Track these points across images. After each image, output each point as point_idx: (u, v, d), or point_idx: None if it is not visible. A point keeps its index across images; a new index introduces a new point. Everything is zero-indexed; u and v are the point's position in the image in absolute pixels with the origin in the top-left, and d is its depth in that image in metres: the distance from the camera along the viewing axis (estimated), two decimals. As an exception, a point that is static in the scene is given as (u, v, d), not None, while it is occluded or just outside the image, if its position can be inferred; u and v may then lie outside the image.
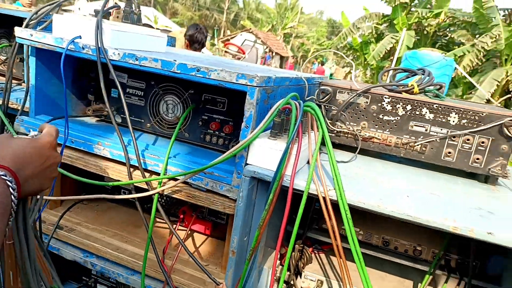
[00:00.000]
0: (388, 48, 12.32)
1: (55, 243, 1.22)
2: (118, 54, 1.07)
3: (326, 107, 1.21)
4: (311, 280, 1.25)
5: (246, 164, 0.97)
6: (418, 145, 1.12)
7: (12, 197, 0.60)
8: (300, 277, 1.24)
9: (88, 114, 1.32)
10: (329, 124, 1.22)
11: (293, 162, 0.91)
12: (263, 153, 0.95)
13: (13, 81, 1.35)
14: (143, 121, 1.30)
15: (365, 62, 13.11)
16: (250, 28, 18.95)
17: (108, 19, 1.20)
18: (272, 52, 16.90)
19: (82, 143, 1.14)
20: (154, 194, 1.04)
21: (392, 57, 12.14)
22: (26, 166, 0.64)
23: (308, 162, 1.05)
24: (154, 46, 1.30)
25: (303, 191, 0.90)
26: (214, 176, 1.02)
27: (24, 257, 0.73)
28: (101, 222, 1.30)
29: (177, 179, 1.02)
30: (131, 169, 1.08)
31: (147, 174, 1.07)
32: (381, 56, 12.41)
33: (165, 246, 1.16)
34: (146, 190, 1.05)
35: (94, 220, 1.31)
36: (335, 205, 0.87)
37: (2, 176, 0.58)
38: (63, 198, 1.16)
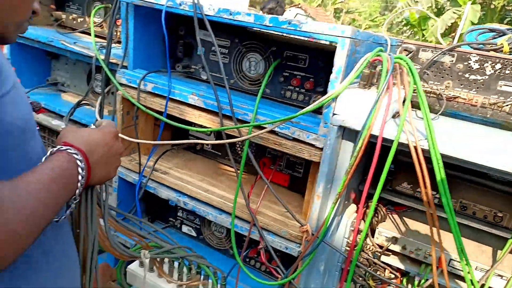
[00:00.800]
0: (450, 24, 11.56)
1: (151, 184, 1.37)
2: (213, 9, 1.15)
3: (408, 65, 1.23)
4: (385, 236, 1.30)
5: (334, 114, 1.03)
6: (507, 105, 1.12)
7: (80, 177, 0.61)
8: (373, 234, 1.30)
9: (177, 69, 1.43)
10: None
11: (383, 112, 0.95)
12: (352, 104, 1.00)
13: (105, 39, 1.48)
14: (227, 77, 1.39)
15: (423, 39, 12.42)
16: (299, 4, 18.51)
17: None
18: (323, 28, 16.39)
19: (178, 94, 1.26)
20: (244, 140, 1.13)
21: (453, 34, 11.41)
22: (94, 151, 0.67)
23: (393, 117, 1.08)
24: (239, 4, 1.37)
25: (392, 141, 0.94)
26: (301, 126, 1.09)
27: (87, 246, 0.80)
28: (189, 168, 1.43)
29: (265, 128, 1.11)
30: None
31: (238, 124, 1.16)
32: (442, 32, 11.70)
33: (249, 191, 1.26)
34: (234, 138, 1.15)
35: (183, 166, 1.44)
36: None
37: (74, 155, 0.61)
38: (165, 143, 1.29)
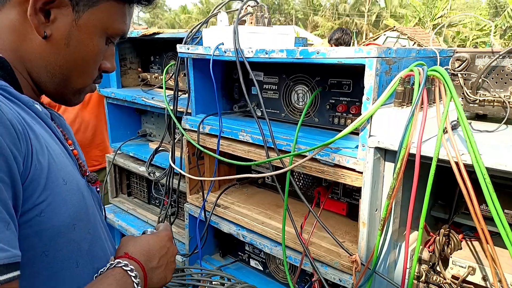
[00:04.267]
0: None
1: (215, 219, 1.46)
2: (252, 51, 1.24)
3: (464, 75, 1.12)
4: (461, 266, 1.15)
5: (370, 135, 0.99)
6: None
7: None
8: (447, 264, 1.16)
9: (234, 110, 1.54)
10: (469, 93, 1.12)
11: (419, 129, 0.89)
12: (387, 123, 0.96)
13: (180, 91, 1.67)
14: (278, 111, 1.44)
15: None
16: (394, 26, 17.91)
17: (244, 25, 1.40)
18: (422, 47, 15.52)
19: (230, 132, 1.35)
20: (287, 170, 1.15)
21: None
22: (152, 258, 0.72)
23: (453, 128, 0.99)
24: (284, 43, 1.44)
25: (431, 158, 0.87)
26: (340, 151, 1.07)
27: None
28: (250, 202, 1.49)
29: (306, 156, 1.11)
30: (268, 151, 1.23)
31: (281, 155, 1.20)
32: None
33: (303, 222, 1.25)
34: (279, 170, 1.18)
35: (244, 201, 1.51)
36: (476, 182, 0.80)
37: (128, 271, 0.65)
38: (219, 178, 1.38)
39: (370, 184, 0.99)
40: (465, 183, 0.80)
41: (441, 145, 0.85)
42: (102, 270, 0.68)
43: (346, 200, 1.34)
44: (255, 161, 1.28)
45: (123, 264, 0.66)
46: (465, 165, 0.82)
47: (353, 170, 1.04)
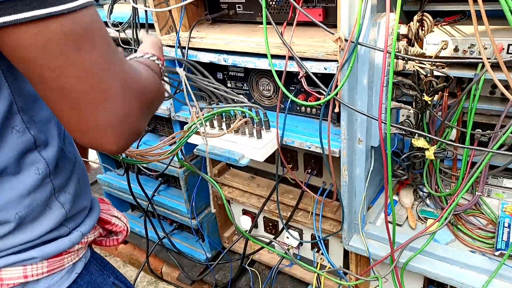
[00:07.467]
0: None
1: (192, 52, 1.43)
2: None
3: None
4: (434, 44, 1.23)
5: None
6: None
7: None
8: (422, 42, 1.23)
9: None
10: None
11: None
12: None
13: None
14: None
15: None
16: None
17: None
18: None
19: None
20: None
21: None
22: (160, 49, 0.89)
23: None
24: None
25: None
26: None
27: None
28: (225, 33, 1.46)
29: None
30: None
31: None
32: None
33: (282, 30, 1.25)
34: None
35: (219, 33, 1.47)
36: None
37: (156, 61, 0.81)
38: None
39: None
40: None
41: None
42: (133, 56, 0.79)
43: (322, 5, 1.33)
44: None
45: (155, 58, 0.81)
46: None
47: None
